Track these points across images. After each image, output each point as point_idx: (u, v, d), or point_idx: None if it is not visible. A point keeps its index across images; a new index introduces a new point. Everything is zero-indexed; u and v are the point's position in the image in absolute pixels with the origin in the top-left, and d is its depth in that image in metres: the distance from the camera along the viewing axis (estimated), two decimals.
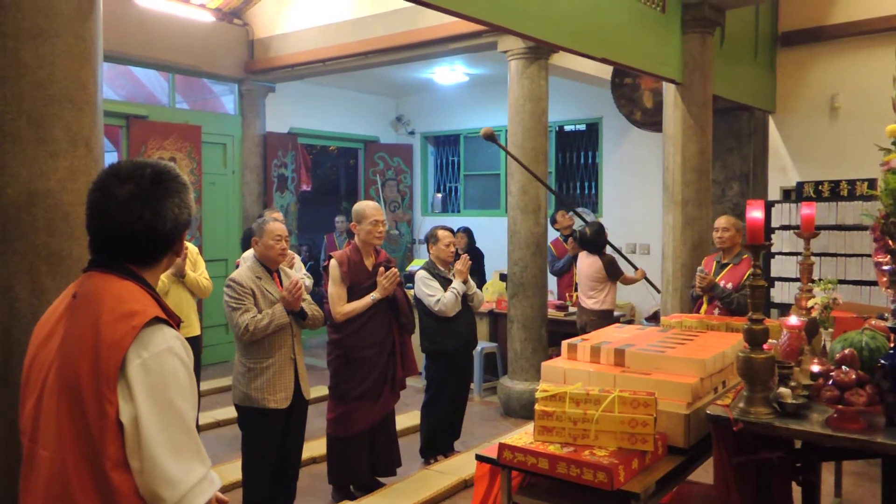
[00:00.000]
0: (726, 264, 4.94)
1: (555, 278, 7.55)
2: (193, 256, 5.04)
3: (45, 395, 1.46)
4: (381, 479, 4.57)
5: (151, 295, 1.51)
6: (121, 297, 1.46)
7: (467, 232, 7.98)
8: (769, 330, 2.58)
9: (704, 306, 4.93)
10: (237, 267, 4.61)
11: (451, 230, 5.12)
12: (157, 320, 1.44)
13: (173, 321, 1.50)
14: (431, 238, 5.04)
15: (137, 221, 1.49)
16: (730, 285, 4.81)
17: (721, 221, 5.00)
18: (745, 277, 4.75)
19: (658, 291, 6.49)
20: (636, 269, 6.69)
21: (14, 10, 2.00)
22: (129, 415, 1.37)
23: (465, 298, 4.97)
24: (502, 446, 2.57)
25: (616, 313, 6.64)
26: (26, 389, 1.53)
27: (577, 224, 7.49)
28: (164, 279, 4.68)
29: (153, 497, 1.38)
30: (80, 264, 2.10)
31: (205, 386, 5.90)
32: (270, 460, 3.87)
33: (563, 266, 7.43)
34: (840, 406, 2.36)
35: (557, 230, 7.50)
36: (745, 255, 4.88)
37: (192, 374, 1.47)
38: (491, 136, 6.02)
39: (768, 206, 6.10)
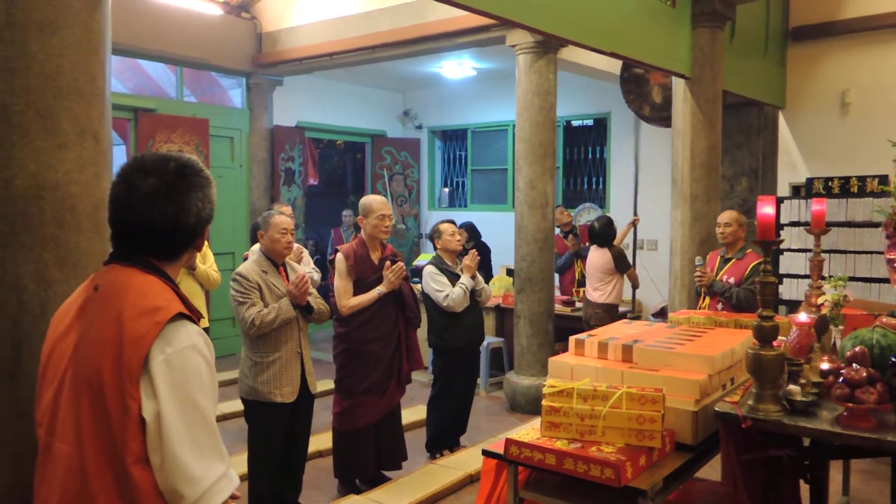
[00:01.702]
0: (730, 259, 4.92)
1: (557, 275, 7.51)
2: (203, 249, 5.05)
3: (64, 389, 1.45)
4: (387, 473, 4.58)
5: (174, 290, 1.50)
6: (144, 292, 1.45)
7: (469, 227, 7.91)
8: (779, 327, 2.56)
9: (707, 301, 4.91)
10: (245, 260, 4.61)
11: (452, 223, 5.12)
12: (180, 316, 1.44)
13: (195, 316, 1.49)
14: (435, 234, 5.04)
15: (160, 215, 1.48)
16: (732, 280, 4.80)
17: (723, 217, 4.97)
18: (748, 272, 4.74)
19: (635, 287, 6.73)
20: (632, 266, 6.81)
21: (22, 1, 1.99)
22: (151, 411, 1.37)
23: (473, 293, 4.97)
24: (509, 441, 2.56)
25: (622, 309, 6.64)
26: (44, 381, 1.52)
27: (584, 219, 7.47)
28: None
29: (173, 494, 1.37)
30: (87, 256, 2.09)
31: None
32: (276, 454, 3.87)
33: (564, 263, 7.40)
34: (850, 404, 2.34)
35: (557, 227, 7.46)
36: (749, 250, 4.88)
37: (213, 370, 1.46)
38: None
39: (778, 203, 6.07)
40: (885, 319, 2.93)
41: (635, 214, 7.17)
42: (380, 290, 4.30)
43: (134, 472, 1.36)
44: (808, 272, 3.96)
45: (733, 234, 4.88)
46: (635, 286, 6.78)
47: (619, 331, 3.25)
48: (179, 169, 1.52)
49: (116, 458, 1.37)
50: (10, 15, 1.98)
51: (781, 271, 6.11)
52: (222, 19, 7.98)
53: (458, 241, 5.02)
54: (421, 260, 7.77)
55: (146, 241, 1.50)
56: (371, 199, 4.44)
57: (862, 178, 5.79)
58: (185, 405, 1.38)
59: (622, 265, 6.26)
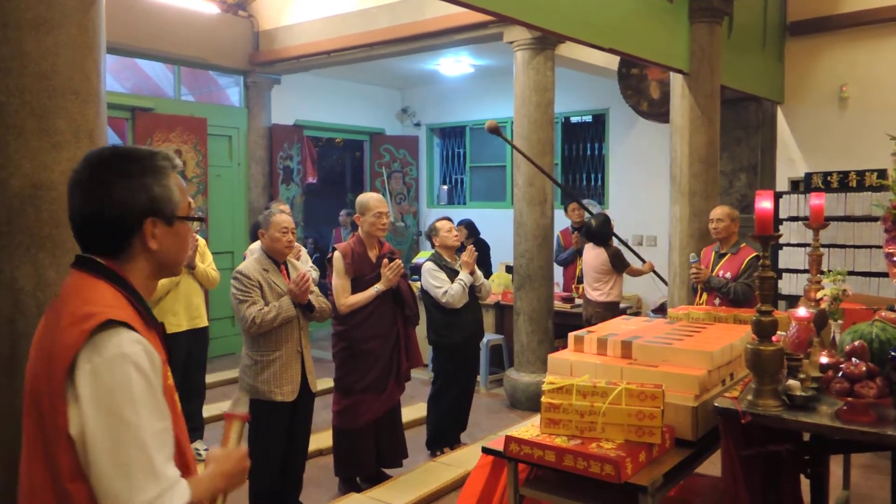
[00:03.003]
0: (724, 254, 4.93)
1: (560, 269, 7.50)
2: (202, 248, 5.06)
3: (25, 401, 1.40)
4: (388, 471, 4.58)
5: (125, 293, 1.40)
6: (85, 298, 1.36)
7: (468, 225, 7.92)
8: (778, 322, 2.55)
9: (704, 297, 4.91)
10: (245, 259, 4.61)
11: (448, 220, 5.12)
12: (113, 323, 1.31)
13: (146, 324, 1.40)
14: (432, 232, 5.04)
15: (85, 206, 1.41)
16: (728, 275, 4.80)
17: (716, 212, 4.98)
18: (744, 266, 4.74)
19: (666, 284, 6.49)
20: (643, 261, 6.68)
21: (16, 0, 1.99)
22: (77, 426, 1.29)
23: (473, 289, 4.96)
24: (509, 439, 2.56)
25: (622, 305, 6.62)
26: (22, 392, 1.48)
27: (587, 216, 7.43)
28: None
29: None
30: None
31: (211, 378, 5.93)
32: (277, 452, 3.87)
33: (566, 258, 7.40)
34: (850, 398, 2.33)
35: (569, 219, 7.45)
36: (743, 245, 4.89)
37: (151, 382, 1.33)
38: (495, 130, 5.98)
39: (776, 198, 6.06)
40: (884, 314, 2.93)
41: (646, 263, 6.75)
42: (378, 287, 4.30)
43: (71, 489, 1.29)
44: (807, 267, 3.95)
45: (726, 230, 4.90)
46: (641, 274, 6.59)
47: (619, 327, 3.25)
48: (110, 157, 1.44)
49: (55, 475, 1.31)
50: (4, 14, 1.98)
51: (780, 266, 6.10)
52: (219, 18, 7.96)
53: (456, 236, 5.02)
54: (420, 258, 7.77)
55: (84, 237, 1.44)
56: (368, 197, 4.44)
57: (860, 173, 5.79)
58: (112, 420, 1.27)
59: (619, 265, 6.18)
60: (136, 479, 1.27)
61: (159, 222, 1.45)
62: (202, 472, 1.50)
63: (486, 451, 2.74)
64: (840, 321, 2.93)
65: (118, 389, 1.28)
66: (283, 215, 3.93)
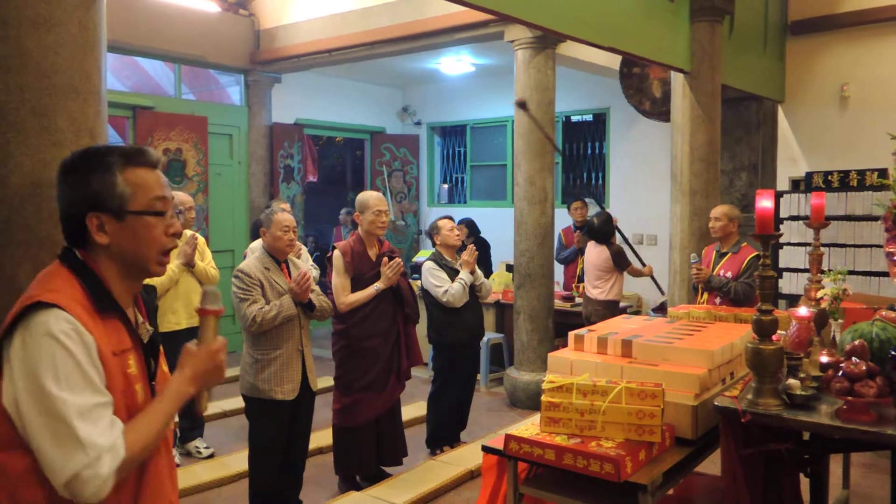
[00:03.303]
0: (725, 253, 4.93)
1: (560, 268, 7.50)
2: (201, 246, 5.05)
3: None
4: (388, 470, 4.58)
5: (82, 283, 1.46)
6: (38, 283, 1.46)
7: (469, 224, 7.92)
8: (778, 321, 2.55)
9: (705, 296, 4.91)
10: (245, 257, 4.61)
11: (450, 218, 5.12)
12: (44, 304, 1.39)
13: (100, 311, 1.45)
14: (434, 230, 5.04)
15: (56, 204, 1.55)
16: (729, 274, 4.80)
17: (714, 211, 4.99)
18: (745, 266, 4.74)
19: (663, 293, 6.57)
20: (644, 264, 6.69)
21: None
22: (9, 397, 1.38)
23: (473, 289, 4.96)
24: (509, 437, 2.56)
25: (622, 304, 6.62)
26: None
27: (591, 213, 7.44)
28: (173, 269, 4.70)
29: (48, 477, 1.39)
30: None
31: None
32: (277, 451, 3.87)
33: (567, 256, 7.41)
34: (850, 398, 2.33)
35: (571, 218, 7.45)
36: (744, 244, 4.88)
37: (79, 360, 1.39)
38: (523, 105, 6.05)
39: (777, 197, 6.06)
40: (884, 313, 2.93)
41: (646, 266, 6.77)
42: (377, 286, 4.30)
43: (1, 460, 1.38)
44: (807, 266, 3.95)
45: (723, 229, 4.89)
46: (641, 275, 6.62)
47: (619, 326, 3.25)
48: (71, 157, 1.53)
49: None
50: (5, 12, 1.98)
51: (781, 265, 6.10)
52: (220, 16, 7.96)
53: (457, 236, 5.02)
54: (420, 256, 7.77)
55: (62, 232, 1.54)
56: (367, 196, 4.44)
57: (861, 172, 5.78)
58: (37, 394, 1.36)
59: (621, 263, 6.21)
60: (66, 448, 1.35)
61: (105, 217, 1.50)
62: (166, 385, 1.55)
63: (485, 449, 2.74)
64: (840, 320, 2.93)
65: (43, 365, 1.36)
66: (284, 214, 3.93)
